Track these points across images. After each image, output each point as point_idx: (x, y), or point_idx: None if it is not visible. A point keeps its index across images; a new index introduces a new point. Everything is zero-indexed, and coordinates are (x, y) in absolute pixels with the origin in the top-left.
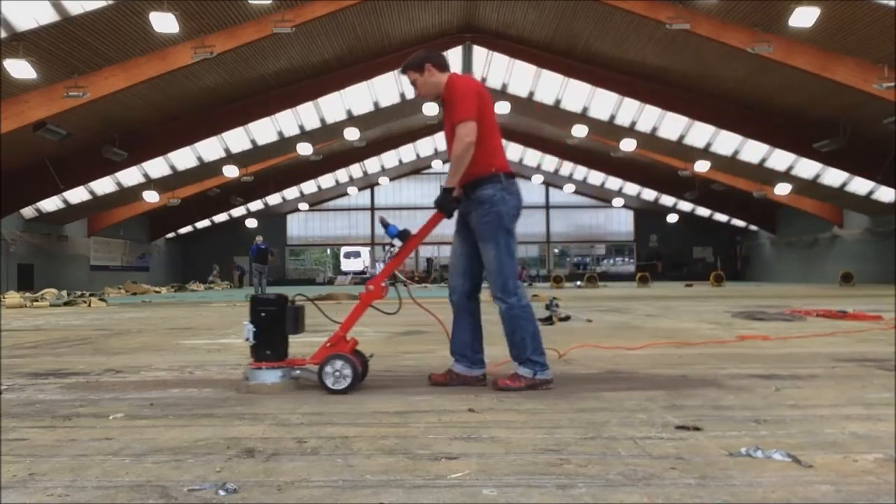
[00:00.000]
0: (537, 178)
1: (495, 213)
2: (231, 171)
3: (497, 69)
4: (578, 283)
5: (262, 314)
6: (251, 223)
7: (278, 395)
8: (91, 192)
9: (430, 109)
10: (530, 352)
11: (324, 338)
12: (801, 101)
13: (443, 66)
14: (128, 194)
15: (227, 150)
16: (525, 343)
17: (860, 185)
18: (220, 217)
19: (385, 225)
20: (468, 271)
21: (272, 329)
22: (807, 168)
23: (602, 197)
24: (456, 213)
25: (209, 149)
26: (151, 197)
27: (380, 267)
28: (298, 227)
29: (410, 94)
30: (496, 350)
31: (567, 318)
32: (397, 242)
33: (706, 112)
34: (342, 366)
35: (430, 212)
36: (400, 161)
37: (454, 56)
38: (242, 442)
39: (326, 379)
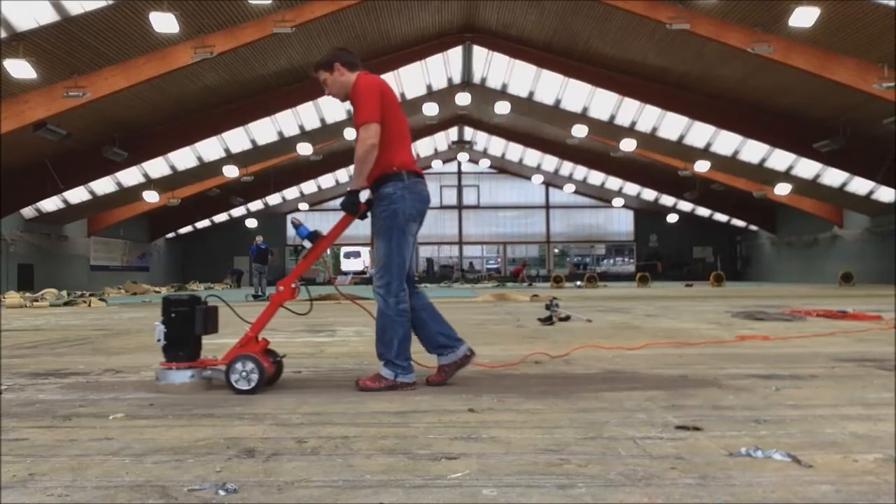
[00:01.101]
0: (537, 178)
1: (392, 211)
2: (231, 171)
3: (497, 69)
4: (578, 283)
5: (173, 314)
6: (251, 223)
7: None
8: (91, 192)
9: (430, 110)
10: (395, 354)
11: (327, 338)
12: (801, 101)
13: (352, 64)
14: (128, 194)
15: (227, 150)
16: (392, 344)
17: (860, 185)
18: (220, 217)
19: (296, 226)
20: None
21: (183, 329)
22: (807, 168)
23: (602, 197)
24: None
25: (209, 149)
26: (151, 197)
27: None
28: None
29: (410, 94)
30: (493, 350)
31: (567, 318)
32: (307, 244)
33: (706, 112)
34: (248, 366)
35: (430, 212)
36: None
37: (454, 56)
38: (242, 442)
39: (233, 379)
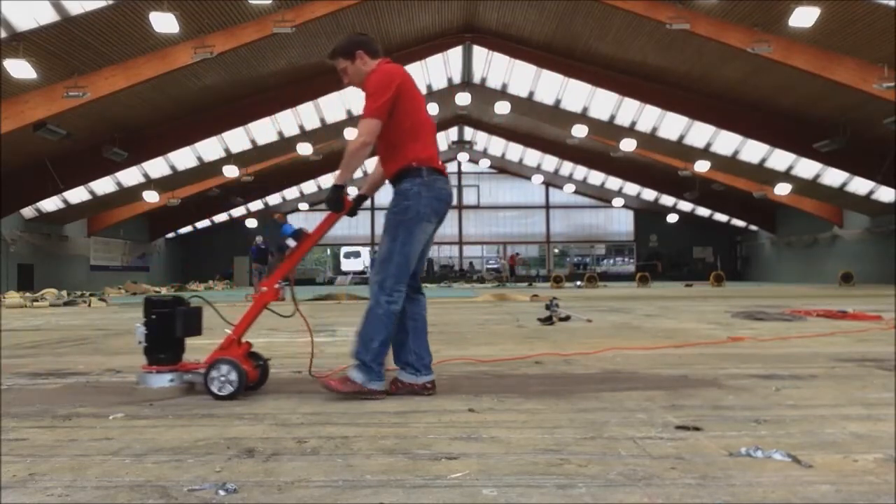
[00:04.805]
0: (537, 178)
1: (403, 207)
2: (231, 171)
3: (497, 69)
4: (578, 283)
5: (154, 316)
6: (251, 223)
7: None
8: (91, 192)
9: (430, 110)
10: (370, 357)
11: (327, 338)
12: (801, 101)
13: (376, 52)
14: (128, 194)
15: (227, 150)
16: (370, 345)
17: (860, 185)
18: (220, 217)
19: (280, 224)
20: None
21: (164, 331)
22: (807, 168)
23: (602, 197)
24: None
25: (209, 149)
26: (151, 197)
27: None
28: (299, 227)
29: None
30: (493, 350)
31: (567, 318)
32: (291, 242)
33: (706, 112)
34: (227, 370)
35: None
36: None
37: (454, 56)
38: (242, 442)
39: (212, 384)
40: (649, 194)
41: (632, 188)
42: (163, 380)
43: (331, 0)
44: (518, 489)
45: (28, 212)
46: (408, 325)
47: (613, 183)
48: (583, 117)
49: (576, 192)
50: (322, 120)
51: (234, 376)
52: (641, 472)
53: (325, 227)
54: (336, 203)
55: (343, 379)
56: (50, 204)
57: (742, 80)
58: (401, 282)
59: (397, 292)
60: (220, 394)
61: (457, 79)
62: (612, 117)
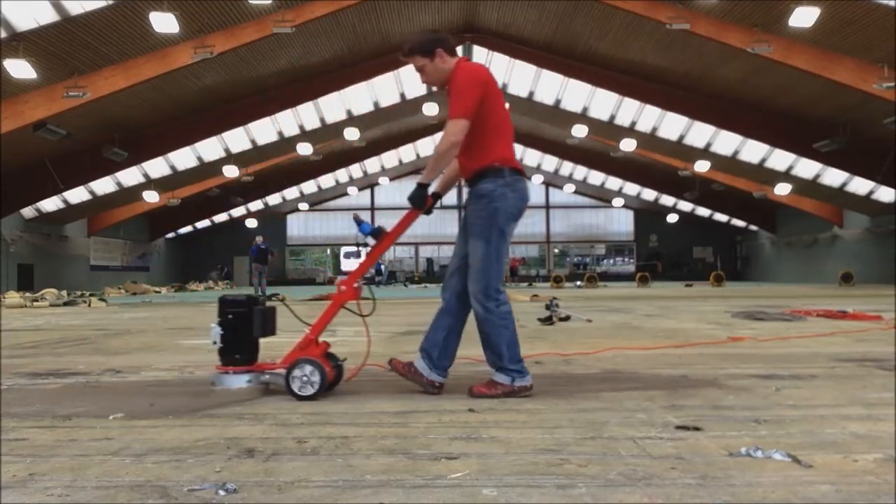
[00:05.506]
0: (537, 178)
1: (492, 210)
2: (231, 171)
3: (497, 69)
4: (578, 283)
5: (230, 315)
6: (251, 223)
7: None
8: (91, 192)
9: (430, 110)
10: (507, 360)
11: (328, 338)
12: (801, 101)
13: (454, 50)
14: (128, 194)
15: (227, 150)
16: (501, 351)
17: (860, 185)
18: (220, 217)
19: (359, 223)
20: (462, 270)
21: (240, 331)
22: (807, 168)
23: (602, 197)
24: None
25: (209, 149)
26: (151, 197)
27: (382, 268)
28: (298, 227)
29: (410, 94)
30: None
31: (567, 318)
32: (371, 241)
33: (706, 112)
34: (310, 371)
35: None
36: (400, 161)
37: None
38: (242, 442)
39: (294, 384)
40: (649, 194)
41: (632, 188)
42: (240, 380)
43: (331, 0)
44: (518, 489)
45: (28, 212)
46: (447, 321)
47: (613, 183)
48: (583, 117)
49: (576, 192)
50: (322, 120)
51: (316, 377)
52: (641, 472)
53: (405, 225)
54: (420, 201)
55: (490, 383)
56: (50, 204)
57: (742, 80)
58: (499, 282)
59: (501, 293)
60: (302, 394)
61: None
62: (612, 117)
